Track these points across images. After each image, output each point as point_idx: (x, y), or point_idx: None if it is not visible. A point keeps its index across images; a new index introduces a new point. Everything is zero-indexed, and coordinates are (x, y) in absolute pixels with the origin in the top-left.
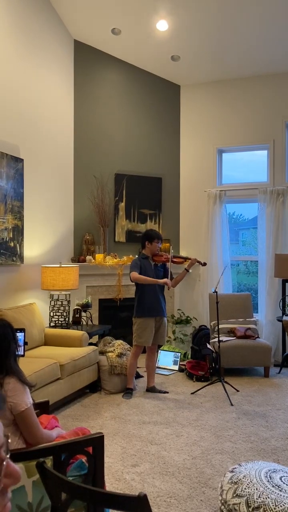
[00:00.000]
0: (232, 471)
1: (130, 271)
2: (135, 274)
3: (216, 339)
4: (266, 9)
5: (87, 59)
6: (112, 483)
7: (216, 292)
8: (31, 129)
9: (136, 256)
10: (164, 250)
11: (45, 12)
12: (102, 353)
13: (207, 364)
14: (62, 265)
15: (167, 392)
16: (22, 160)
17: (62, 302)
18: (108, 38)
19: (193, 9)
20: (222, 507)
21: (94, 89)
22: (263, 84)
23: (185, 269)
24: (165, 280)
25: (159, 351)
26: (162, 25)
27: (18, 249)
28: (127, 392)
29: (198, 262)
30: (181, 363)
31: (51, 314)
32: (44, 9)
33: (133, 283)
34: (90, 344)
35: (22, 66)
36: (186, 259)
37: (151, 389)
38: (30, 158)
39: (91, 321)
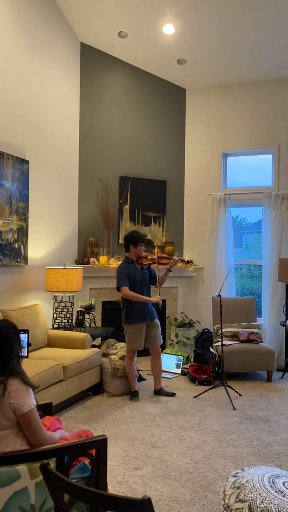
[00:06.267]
0: (235, 476)
1: (120, 285)
2: (126, 291)
3: (219, 343)
4: (272, 13)
5: (93, 61)
6: (114, 486)
7: (220, 295)
8: (37, 131)
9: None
10: (168, 253)
11: (52, 14)
12: (105, 355)
13: (210, 368)
14: (66, 267)
15: (174, 394)
16: (27, 161)
17: (65, 303)
18: (114, 41)
19: (200, 13)
20: (225, 511)
21: (100, 92)
22: (268, 89)
23: (168, 269)
24: (156, 298)
25: (162, 354)
26: (169, 29)
27: (23, 251)
28: (134, 395)
29: (182, 260)
30: (183, 366)
31: (55, 316)
32: (51, 12)
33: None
34: (93, 346)
35: (29, 68)
36: (170, 259)
37: (158, 391)
38: (36, 160)
39: (94, 323)
